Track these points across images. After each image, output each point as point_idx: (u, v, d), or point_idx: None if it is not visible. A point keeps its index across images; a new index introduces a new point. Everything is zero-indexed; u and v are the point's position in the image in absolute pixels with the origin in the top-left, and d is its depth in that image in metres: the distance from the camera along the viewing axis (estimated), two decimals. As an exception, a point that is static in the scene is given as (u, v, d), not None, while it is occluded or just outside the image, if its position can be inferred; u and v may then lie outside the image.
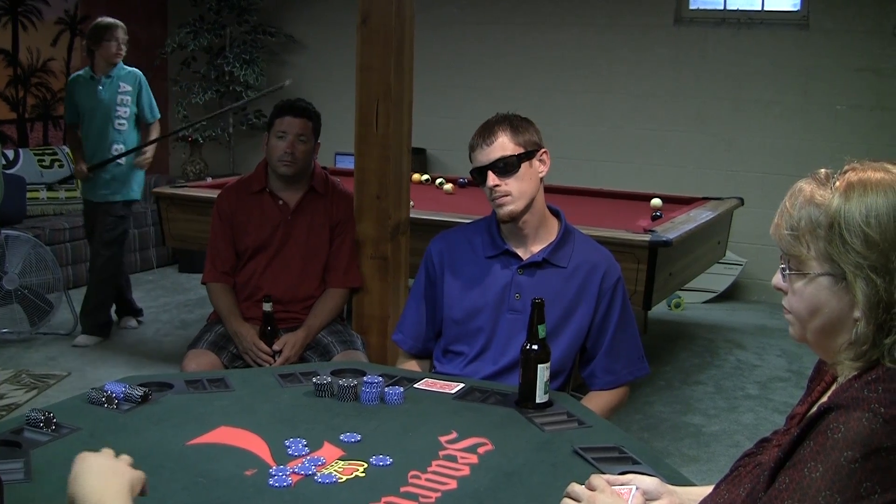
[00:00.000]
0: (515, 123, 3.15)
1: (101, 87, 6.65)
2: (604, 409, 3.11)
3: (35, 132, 8.95)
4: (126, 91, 6.74)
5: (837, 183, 1.69)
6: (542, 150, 3.19)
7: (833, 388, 1.75)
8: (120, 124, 6.70)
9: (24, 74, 8.81)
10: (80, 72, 6.85)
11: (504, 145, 3.10)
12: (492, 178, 3.10)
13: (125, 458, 1.84)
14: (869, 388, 1.59)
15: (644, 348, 3.30)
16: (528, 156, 3.12)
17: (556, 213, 3.28)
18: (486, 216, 3.31)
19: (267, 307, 4.08)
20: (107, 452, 1.84)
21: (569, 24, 8.87)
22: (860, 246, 1.63)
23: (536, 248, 3.20)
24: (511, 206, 3.12)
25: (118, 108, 6.71)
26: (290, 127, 4.24)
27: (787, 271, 1.75)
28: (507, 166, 3.09)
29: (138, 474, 1.82)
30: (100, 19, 6.70)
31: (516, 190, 3.11)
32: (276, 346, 4.11)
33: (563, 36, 8.89)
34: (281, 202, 4.33)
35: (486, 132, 3.13)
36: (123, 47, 6.72)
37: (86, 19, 9.26)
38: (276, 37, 9.80)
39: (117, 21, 6.69)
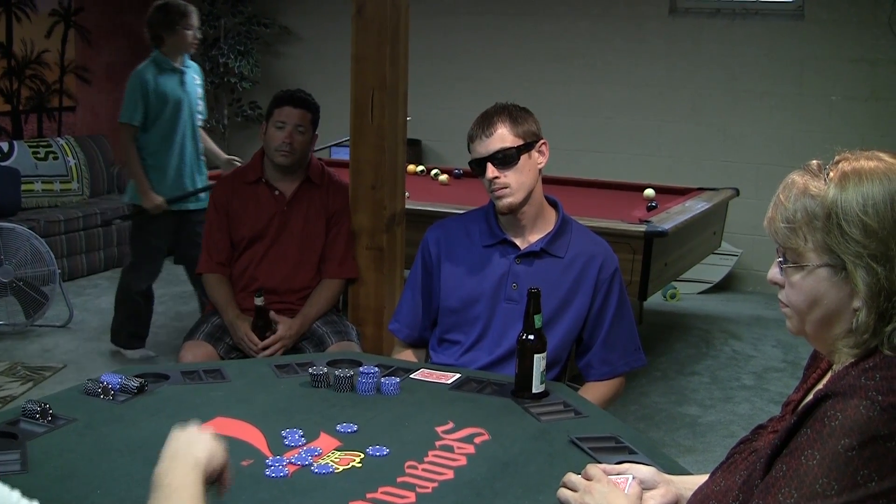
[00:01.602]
0: (514, 114, 3.14)
1: (185, 79, 5.97)
2: (600, 399, 3.11)
3: (29, 124, 8.93)
4: (199, 84, 6.13)
5: (831, 173, 1.69)
6: (542, 140, 3.18)
7: (829, 375, 1.76)
8: (201, 122, 6.13)
9: (18, 66, 8.79)
10: (151, 60, 5.87)
11: (503, 137, 3.09)
12: (491, 171, 3.10)
13: (207, 435, 1.81)
14: (866, 376, 1.59)
15: (640, 339, 3.31)
16: (527, 147, 3.11)
17: (553, 204, 3.28)
18: (484, 205, 3.31)
19: (258, 301, 4.07)
20: (192, 428, 1.81)
21: (563, 15, 8.85)
22: (859, 235, 1.63)
23: (534, 238, 3.20)
24: (510, 199, 3.12)
25: (199, 102, 6.07)
26: (289, 117, 4.24)
27: (785, 264, 1.75)
28: (506, 158, 3.09)
29: (217, 453, 1.79)
30: (170, 1, 5.85)
31: (515, 182, 3.10)
32: (265, 343, 4.10)
33: (558, 26, 8.88)
34: (277, 192, 4.32)
35: (485, 123, 3.12)
36: (198, 35, 6.05)
37: (80, 11, 9.24)
38: (270, 28, 9.78)
39: (190, 5, 5.94)
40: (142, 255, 6.08)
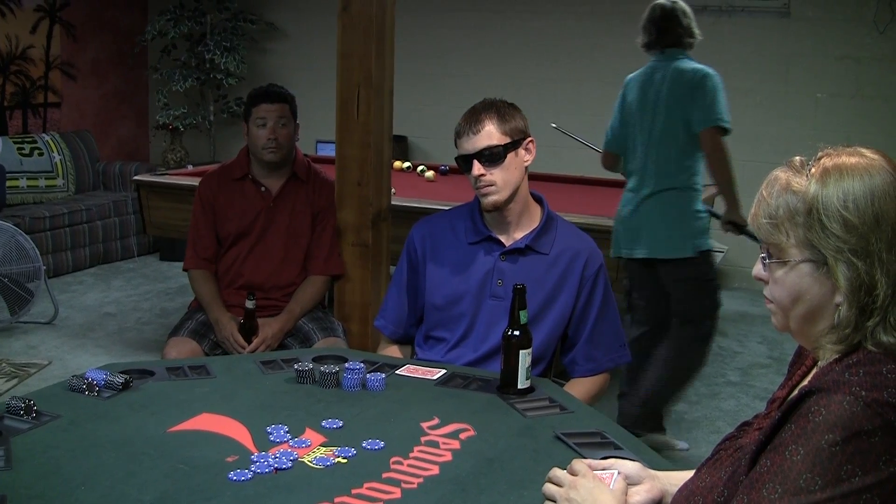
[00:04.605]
0: (502, 111, 3.13)
1: None
2: (585, 396, 3.11)
3: (14, 120, 8.90)
4: None
5: (813, 169, 1.70)
6: (529, 138, 3.17)
7: (814, 371, 1.76)
8: None
9: (2, 62, 8.76)
10: (690, 60, 4.96)
11: (490, 134, 3.08)
12: (477, 168, 3.09)
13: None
14: (850, 372, 1.60)
15: (625, 335, 3.31)
16: (514, 145, 3.10)
17: (538, 200, 3.28)
18: (469, 202, 3.31)
19: (249, 304, 4.06)
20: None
21: (549, 12, 8.86)
22: (840, 230, 1.64)
23: (519, 235, 3.20)
24: (495, 196, 3.11)
25: None
26: (268, 113, 4.24)
27: (768, 260, 1.76)
28: (492, 156, 3.08)
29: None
30: None
31: (501, 180, 3.09)
32: (251, 347, 4.09)
33: (544, 23, 8.88)
34: (263, 189, 4.32)
35: (472, 119, 3.11)
36: None
37: (65, 6, 9.22)
38: (256, 24, 9.77)
39: None
40: (714, 299, 5.08)
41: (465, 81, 8.97)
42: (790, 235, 1.70)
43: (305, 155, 4.59)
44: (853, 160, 1.68)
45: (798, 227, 1.69)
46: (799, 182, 1.70)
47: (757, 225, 1.76)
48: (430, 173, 7.09)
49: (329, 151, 6.98)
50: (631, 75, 5.15)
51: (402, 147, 8.95)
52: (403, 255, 3.37)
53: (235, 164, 4.42)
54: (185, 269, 4.39)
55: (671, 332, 4.93)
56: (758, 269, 1.80)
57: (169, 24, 9.47)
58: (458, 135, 3.15)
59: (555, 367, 3.32)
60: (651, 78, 4.97)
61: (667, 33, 4.99)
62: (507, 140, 3.09)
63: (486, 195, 3.12)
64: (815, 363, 1.79)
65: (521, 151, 3.14)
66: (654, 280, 4.93)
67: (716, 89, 4.77)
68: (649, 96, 4.92)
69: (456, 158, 3.18)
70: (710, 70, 4.82)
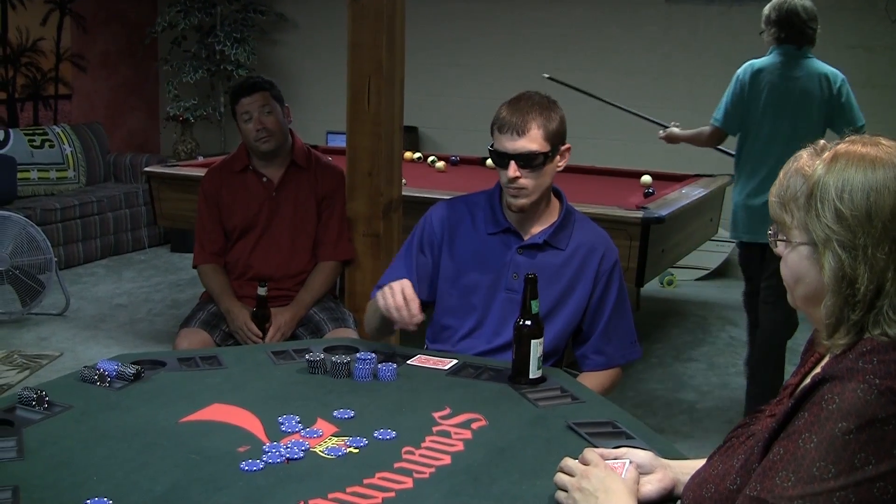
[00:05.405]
0: (547, 113, 3.07)
1: None
2: (597, 389, 3.08)
3: (25, 112, 8.92)
4: None
5: (826, 154, 1.70)
6: (567, 146, 3.14)
7: (826, 359, 1.76)
8: None
9: (13, 54, 8.77)
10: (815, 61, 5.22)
11: (534, 139, 3.01)
12: (513, 170, 3.02)
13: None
14: (863, 360, 1.59)
15: (636, 326, 3.29)
16: (553, 153, 3.07)
17: (557, 194, 3.26)
18: (488, 189, 3.27)
19: (262, 291, 4.07)
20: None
21: (560, 2, 8.83)
22: (831, 220, 1.64)
23: (537, 230, 3.17)
24: (524, 200, 3.07)
25: None
26: (250, 106, 4.25)
27: (773, 237, 1.77)
28: (532, 163, 3.04)
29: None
30: None
31: (533, 185, 3.05)
32: (267, 338, 4.10)
33: (554, 14, 8.86)
34: (265, 179, 4.32)
35: (518, 117, 3.03)
36: None
37: (74, -1, 9.24)
38: (266, 15, 9.76)
39: None
40: None
41: (475, 72, 8.94)
42: (794, 216, 1.71)
43: (314, 146, 4.59)
44: (865, 150, 1.68)
45: (799, 210, 1.70)
46: (810, 165, 1.70)
47: (770, 202, 1.77)
48: (440, 164, 7.07)
49: (340, 142, 6.97)
50: (757, 62, 5.24)
51: (412, 138, 8.94)
52: (416, 234, 3.30)
53: (236, 157, 4.43)
54: (194, 266, 4.39)
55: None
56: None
57: (179, 15, 9.46)
58: (500, 129, 3.06)
59: (566, 357, 3.31)
60: (786, 72, 5.09)
61: (806, 30, 5.14)
62: (548, 148, 3.04)
63: (516, 197, 3.08)
64: (827, 350, 1.78)
65: (557, 158, 3.12)
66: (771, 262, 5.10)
67: (852, 94, 5.10)
68: (786, 91, 5.04)
69: (491, 151, 3.11)
70: (841, 73, 5.12)
